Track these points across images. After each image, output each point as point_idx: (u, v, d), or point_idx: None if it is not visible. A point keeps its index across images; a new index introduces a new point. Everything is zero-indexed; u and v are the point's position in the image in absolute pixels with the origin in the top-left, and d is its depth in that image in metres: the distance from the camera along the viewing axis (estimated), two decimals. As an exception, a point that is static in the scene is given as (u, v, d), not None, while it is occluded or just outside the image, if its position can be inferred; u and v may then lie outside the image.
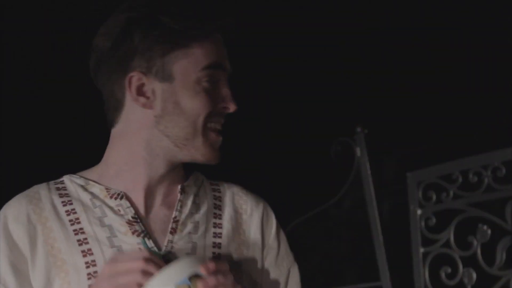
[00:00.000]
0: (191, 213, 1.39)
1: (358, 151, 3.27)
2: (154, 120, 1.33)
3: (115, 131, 1.39)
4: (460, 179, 2.91)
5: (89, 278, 1.29)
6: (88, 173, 1.41)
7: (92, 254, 1.31)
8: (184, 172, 1.44)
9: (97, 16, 1.42)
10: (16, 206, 1.34)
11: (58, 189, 1.38)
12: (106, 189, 1.36)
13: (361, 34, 3.93)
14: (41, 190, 1.37)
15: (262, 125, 3.90)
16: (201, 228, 1.38)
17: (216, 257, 1.36)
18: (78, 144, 3.30)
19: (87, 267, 1.30)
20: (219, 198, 1.45)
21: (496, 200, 2.84)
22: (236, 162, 2.86)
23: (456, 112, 3.99)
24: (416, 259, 3.02)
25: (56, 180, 1.41)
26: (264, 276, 1.44)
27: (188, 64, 1.32)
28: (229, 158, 1.45)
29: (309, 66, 4.02)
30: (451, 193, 2.94)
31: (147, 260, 1.24)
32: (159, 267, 1.24)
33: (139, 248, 1.31)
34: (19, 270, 1.31)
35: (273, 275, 1.45)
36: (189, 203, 1.40)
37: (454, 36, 3.80)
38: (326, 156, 3.30)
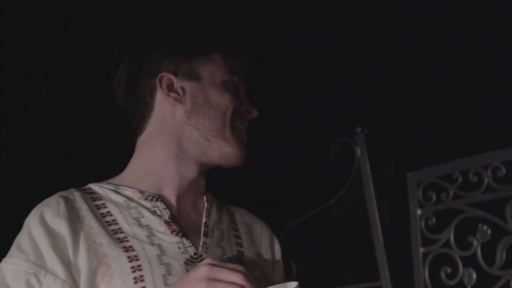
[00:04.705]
0: (217, 222, 1.46)
1: (358, 151, 3.27)
2: (185, 116, 1.41)
3: (142, 139, 1.45)
4: (460, 179, 2.91)
5: (133, 272, 1.30)
6: (112, 181, 1.44)
7: (133, 250, 1.32)
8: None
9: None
10: (54, 203, 1.34)
11: (88, 193, 1.39)
12: (139, 191, 1.40)
13: (361, 34, 3.93)
14: (74, 192, 1.38)
15: (262, 125, 3.90)
16: (226, 236, 1.46)
17: (243, 263, 1.40)
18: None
19: (130, 261, 1.31)
20: (232, 216, 1.53)
21: (496, 200, 2.84)
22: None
23: (456, 112, 3.99)
24: (416, 259, 3.02)
25: (82, 187, 1.42)
26: None
27: (213, 68, 1.44)
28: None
29: (309, 66, 4.02)
30: (451, 193, 2.95)
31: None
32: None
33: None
34: (65, 259, 1.29)
35: None
36: (213, 213, 1.47)
37: (454, 36, 3.80)
38: (326, 156, 3.30)
